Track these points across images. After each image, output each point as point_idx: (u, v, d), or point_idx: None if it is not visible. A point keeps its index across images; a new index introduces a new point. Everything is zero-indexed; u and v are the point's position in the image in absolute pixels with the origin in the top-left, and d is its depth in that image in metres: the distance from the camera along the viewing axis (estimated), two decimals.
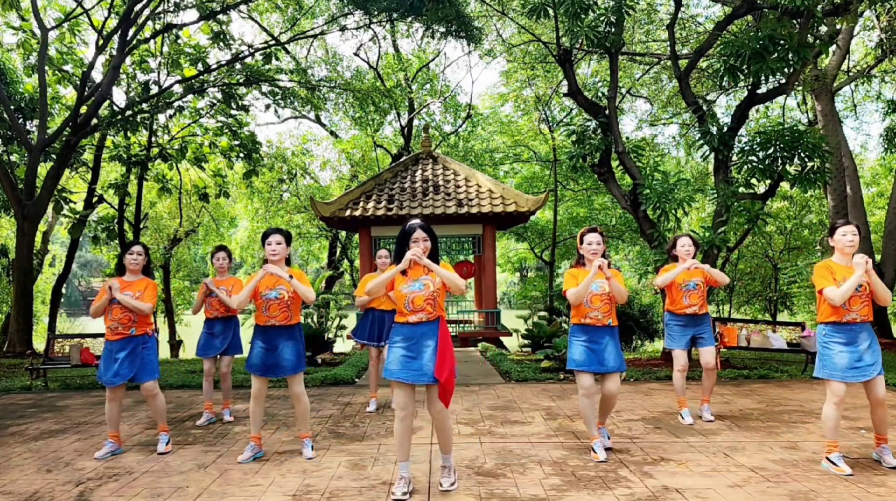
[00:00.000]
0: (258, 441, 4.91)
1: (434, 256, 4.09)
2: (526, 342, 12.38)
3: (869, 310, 4.38)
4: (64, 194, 15.88)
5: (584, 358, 4.69)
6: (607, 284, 4.68)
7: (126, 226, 17.90)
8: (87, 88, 13.56)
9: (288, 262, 4.96)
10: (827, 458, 4.38)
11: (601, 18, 9.36)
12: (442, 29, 13.71)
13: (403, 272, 4.04)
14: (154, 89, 15.26)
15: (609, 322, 4.73)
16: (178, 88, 14.90)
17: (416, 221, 4.12)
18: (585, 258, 4.80)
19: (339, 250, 23.68)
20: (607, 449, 4.83)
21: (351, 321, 13.99)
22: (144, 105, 14.65)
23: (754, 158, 9.09)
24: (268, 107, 16.19)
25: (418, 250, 3.95)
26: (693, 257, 5.79)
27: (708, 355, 5.77)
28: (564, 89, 11.62)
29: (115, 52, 13.37)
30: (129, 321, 4.97)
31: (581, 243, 4.83)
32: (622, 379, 8.08)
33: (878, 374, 4.29)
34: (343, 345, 13.72)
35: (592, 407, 4.76)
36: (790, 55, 8.48)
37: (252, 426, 4.89)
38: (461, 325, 14.28)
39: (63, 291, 20.63)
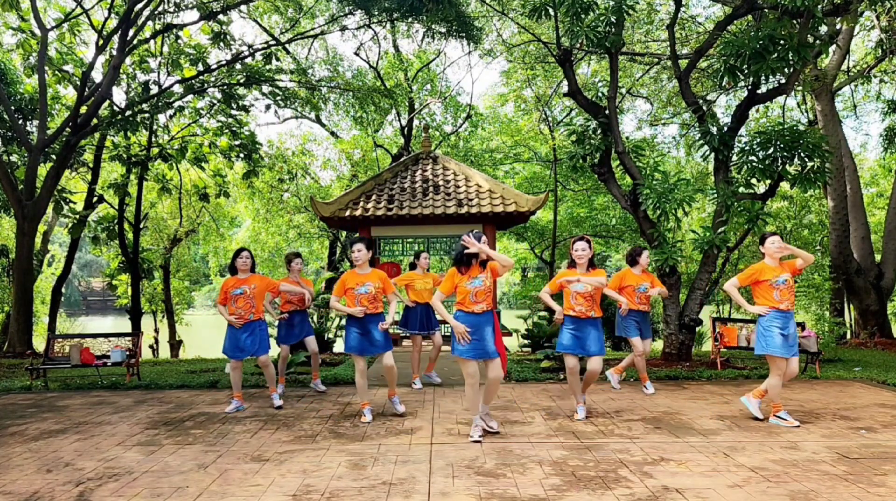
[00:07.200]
0: (368, 405, 6.10)
1: (467, 260, 5.17)
2: (526, 341, 12.37)
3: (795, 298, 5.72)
4: (64, 194, 15.89)
5: (570, 343, 5.76)
6: (590, 285, 5.68)
7: (126, 226, 17.90)
8: (87, 88, 13.56)
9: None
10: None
11: (601, 18, 9.34)
12: (442, 29, 13.71)
13: (462, 273, 5.13)
14: (154, 89, 15.26)
15: (592, 314, 5.72)
16: (178, 88, 14.89)
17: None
18: (576, 262, 5.79)
19: (339, 251, 23.66)
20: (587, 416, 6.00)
21: None
22: (144, 105, 14.64)
23: (754, 158, 9.09)
24: (268, 107, 16.16)
25: (471, 241, 4.97)
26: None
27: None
28: (564, 89, 11.61)
29: (115, 53, 13.36)
30: (249, 309, 6.32)
31: (572, 249, 5.86)
32: (623, 379, 8.12)
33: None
34: (343, 345, 13.71)
35: (577, 382, 5.96)
36: (790, 55, 8.48)
37: (361, 396, 6.09)
38: None
39: (63, 291, 20.63)
